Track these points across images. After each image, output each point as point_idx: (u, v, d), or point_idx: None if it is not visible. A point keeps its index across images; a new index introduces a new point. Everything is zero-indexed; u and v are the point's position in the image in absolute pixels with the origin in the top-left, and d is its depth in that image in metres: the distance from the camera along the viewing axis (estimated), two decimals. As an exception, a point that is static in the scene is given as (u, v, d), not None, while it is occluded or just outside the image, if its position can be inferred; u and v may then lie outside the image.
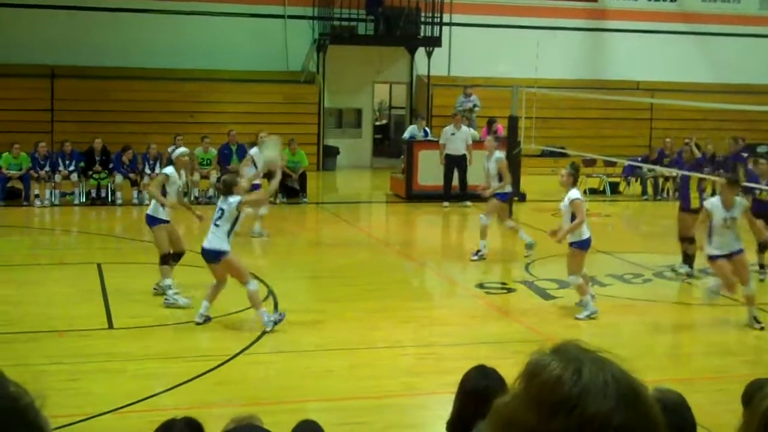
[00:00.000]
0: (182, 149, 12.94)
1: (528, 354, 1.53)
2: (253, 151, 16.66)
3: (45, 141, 21.19)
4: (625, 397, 1.43)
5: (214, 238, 10.81)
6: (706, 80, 29.17)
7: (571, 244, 11.81)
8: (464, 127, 21.34)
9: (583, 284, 11.76)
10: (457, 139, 20.97)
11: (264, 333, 10.65)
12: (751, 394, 4.93)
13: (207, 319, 11.03)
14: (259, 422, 4.52)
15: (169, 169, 12.41)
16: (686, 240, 14.17)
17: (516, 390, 1.50)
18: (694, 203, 14.55)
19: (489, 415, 1.53)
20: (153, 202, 12.30)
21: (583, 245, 11.80)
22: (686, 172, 15.43)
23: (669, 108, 26.10)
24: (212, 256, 10.86)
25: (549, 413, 1.42)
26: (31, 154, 20.40)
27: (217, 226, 10.83)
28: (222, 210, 10.87)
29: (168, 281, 11.97)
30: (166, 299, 11.83)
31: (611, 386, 1.43)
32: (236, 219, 10.99)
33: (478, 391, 4.27)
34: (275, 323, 10.82)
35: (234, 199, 10.83)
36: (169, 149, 14.18)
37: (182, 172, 12.94)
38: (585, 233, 11.76)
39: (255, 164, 16.15)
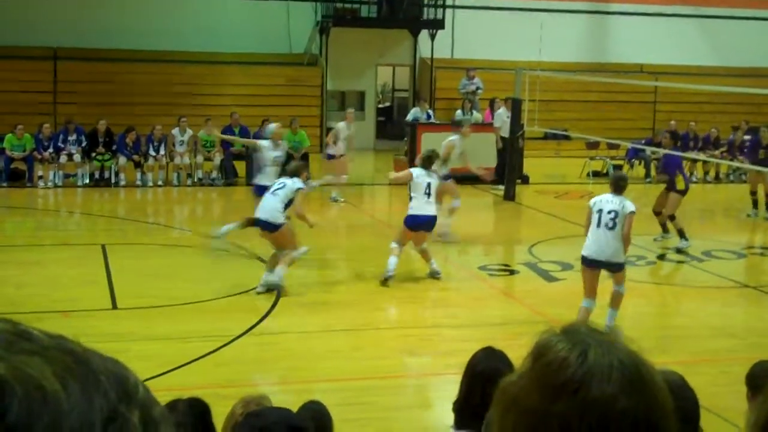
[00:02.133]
0: (272, 125, 14.72)
1: (535, 334, 1.53)
2: (341, 125, 19.01)
3: (48, 123, 21.18)
4: (630, 381, 1.42)
5: (272, 210, 11.59)
6: (710, 63, 29.09)
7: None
8: None
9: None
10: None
11: (269, 312, 10.67)
12: (758, 377, 4.95)
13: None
14: (269, 403, 4.54)
15: (266, 143, 14.19)
16: (670, 218, 14.52)
17: (522, 369, 1.49)
18: (680, 184, 14.74)
19: (495, 394, 1.53)
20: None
21: None
22: (673, 152, 15.64)
23: (672, 91, 26.03)
24: (270, 227, 11.64)
25: (552, 394, 1.41)
26: (35, 136, 20.40)
27: (275, 195, 11.64)
28: (284, 184, 11.76)
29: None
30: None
31: (617, 370, 1.42)
32: (291, 201, 11.65)
33: (485, 373, 4.28)
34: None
35: (294, 184, 11.66)
36: (269, 127, 15.68)
37: (282, 142, 15.03)
38: None
39: (336, 140, 19.01)
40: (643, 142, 23.43)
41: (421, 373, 9.16)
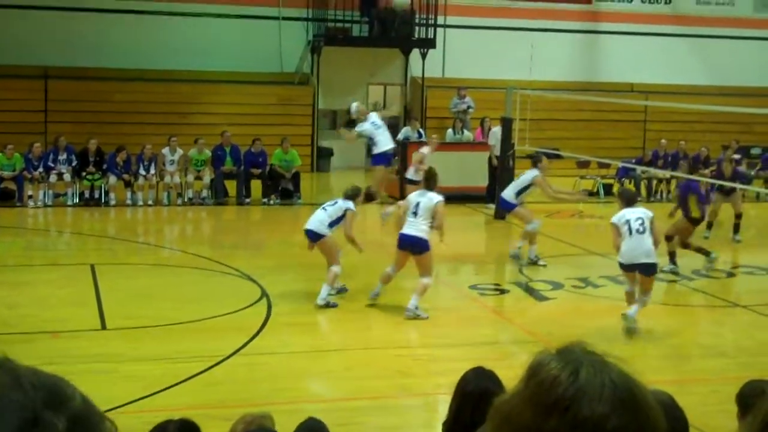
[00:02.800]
0: (354, 105, 15.64)
1: (531, 354, 1.54)
2: (425, 150, 18.29)
3: (39, 142, 21.14)
4: (622, 401, 1.42)
5: (318, 222, 12.34)
6: (700, 82, 29.20)
7: None
8: None
9: None
10: None
11: (259, 332, 10.64)
12: (748, 396, 4.94)
13: (341, 290, 12.68)
14: (271, 421, 4.51)
15: (366, 125, 15.25)
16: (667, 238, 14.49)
17: (516, 388, 1.50)
18: (694, 212, 14.64)
19: (489, 412, 1.54)
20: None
21: None
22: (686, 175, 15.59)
23: (663, 110, 26.10)
24: (313, 236, 12.34)
25: (543, 413, 1.42)
26: (24, 155, 20.36)
27: (324, 210, 12.44)
28: (336, 202, 12.56)
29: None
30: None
31: (608, 389, 1.42)
32: (338, 219, 12.33)
33: (476, 393, 4.27)
34: (328, 304, 11.96)
35: (345, 204, 12.40)
36: (353, 107, 17.23)
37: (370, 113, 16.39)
38: None
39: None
40: (633, 161, 23.46)
41: (412, 393, 9.12)
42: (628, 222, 10.95)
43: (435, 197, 11.77)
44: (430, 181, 12.07)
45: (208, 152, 21.31)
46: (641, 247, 10.89)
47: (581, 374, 1.43)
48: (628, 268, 11.13)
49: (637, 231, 10.91)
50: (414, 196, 12.09)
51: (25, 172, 20.17)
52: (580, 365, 1.45)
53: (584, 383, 1.42)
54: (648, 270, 11.04)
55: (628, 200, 11.45)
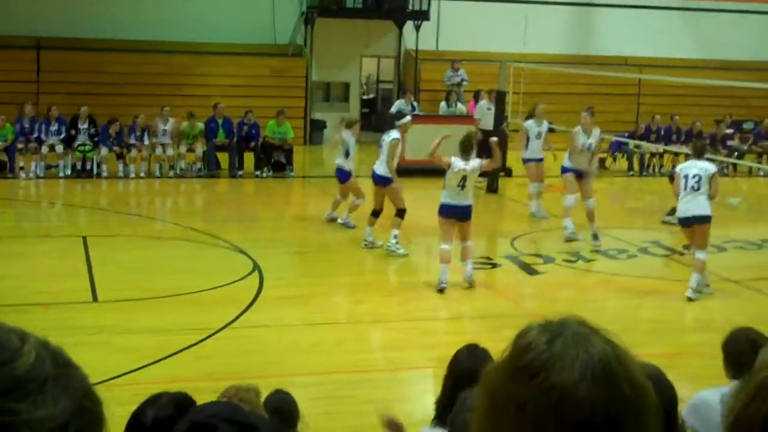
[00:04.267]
0: (406, 119, 14.62)
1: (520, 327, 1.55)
2: (529, 123, 17.89)
3: (30, 107, 21.02)
4: (594, 372, 1.42)
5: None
6: (694, 56, 29.15)
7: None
8: None
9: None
10: (492, 115, 20.74)
11: (250, 305, 10.67)
12: (733, 346, 5.00)
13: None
14: (256, 393, 4.50)
15: (396, 134, 14.04)
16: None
17: (500, 356, 1.53)
18: None
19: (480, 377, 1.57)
20: (380, 162, 13.93)
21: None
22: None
23: (657, 84, 26.08)
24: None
25: (514, 376, 1.44)
26: (16, 120, 20.29)
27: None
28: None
29: (395, 232, 13.59)
30: (388, 246, 13.55)
31: (581, 361, 1.42)
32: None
33: (466, 375, 4.28)
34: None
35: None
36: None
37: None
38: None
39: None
40: (626, 135, 23.43)
41: (402, 366, 9.16)
42: (686, 177, 11.50)
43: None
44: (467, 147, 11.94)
45: (201, 125, 21.23)
46: (693, 202, 11.42)
47: (556, 343, 1.45)
48: (683, 222, 11.71)
49: (692, 188, 11.43)
50: (459, 164, 11.74)
51: (17, 142, 20.10)
52: (558, 335, 1.46)
53: (557, 352, 1.43)
54: (701, 221, 11.49)
55: (696, 152, 11.89)
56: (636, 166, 23.55)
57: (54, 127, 20.39)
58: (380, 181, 13.88)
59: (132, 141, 20.49)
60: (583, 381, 1.41)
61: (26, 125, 20.38)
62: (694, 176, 11.42)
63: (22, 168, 19.97)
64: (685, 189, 11.45)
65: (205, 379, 8.24)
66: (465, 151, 11.80)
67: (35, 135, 20.30)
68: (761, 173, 24.14)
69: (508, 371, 1.46)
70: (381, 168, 13.80)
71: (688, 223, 11.65)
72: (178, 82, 24.73)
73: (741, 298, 12.08)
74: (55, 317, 10.15)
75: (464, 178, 11.65)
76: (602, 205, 20.25)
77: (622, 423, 1.42)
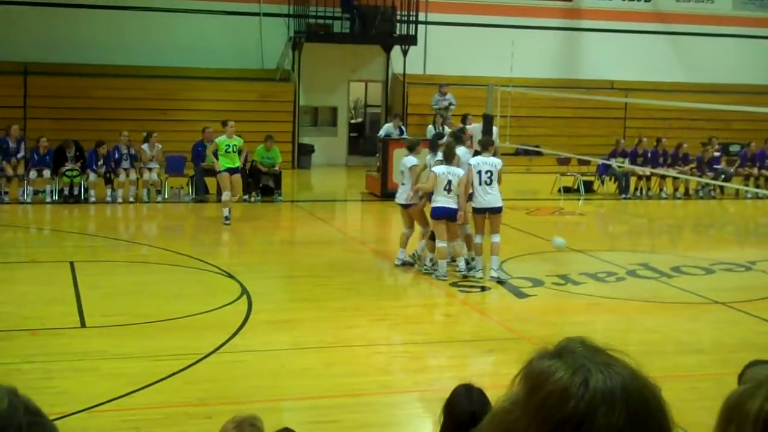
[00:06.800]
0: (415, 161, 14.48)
1: (527, 353, 1.46)
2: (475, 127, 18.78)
3: (17, 125, 20.97)
4: (636, 411, 1.36)
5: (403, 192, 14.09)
6: (680, 80, 29.36)
7: None
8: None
9: None
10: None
11: (239, 330, 10.63)
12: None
13: (405, 263, 14.19)
14: (260, 422, 4.48)
15: (413, 160, 14.24)
16: None
17: (517, 396, 1.41)
18: None
19: (488, 419, 1.45)
20: (402, 190, 14.30)
21: None
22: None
23: (643, 107, 26.25)
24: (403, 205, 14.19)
25: (554, 430, 1.33)
26: (1, 140, 20.26)
27: (403, 184, 14.13)
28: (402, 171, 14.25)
29: (429, 255, 13.95)
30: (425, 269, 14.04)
31: (620, 399, 1.35)
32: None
33: (467, 421, 4.30)
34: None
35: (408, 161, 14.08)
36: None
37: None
38: None
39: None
40: (607, 156, 23.35)
41: (392, 391, 9.13)
42: (479, 172, 13.22)
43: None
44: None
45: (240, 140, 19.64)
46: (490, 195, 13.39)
47: (591, 383, 1.35)
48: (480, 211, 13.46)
49: (485, 182, 13.25)
50: (444, 174, 13.33)
51: (4, 161, 20.02)
52: (589, 373, 1.37)
53: (596, 394, 1.34)
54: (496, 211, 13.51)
55: (483, 147, 13.68)
56: (626, 186, 23.39)
57: (44, 158, 20.30)
58: (404, 206, 14.38)
59: (122, 164, 20.38)
60: (628, 423, 1.35)
61: (13, 146, 20.30)
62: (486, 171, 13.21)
63: (6, 193, 19.89)
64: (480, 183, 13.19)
65: (194, 404, 8.20)
66: (447, 158, 13.40)
67: (21, 153, 20.22)
68: (748, 195, 24.24)
69: (545, 425, 1.34)
70: (402, 197, 14.24)
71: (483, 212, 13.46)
72: (166, 107, 24.77)
73: (729, 321, 12.09)
74: (42, 343, 10.09)
75: (449, 183, 13.19)
76: (591, 228, 20.36)
77: None
